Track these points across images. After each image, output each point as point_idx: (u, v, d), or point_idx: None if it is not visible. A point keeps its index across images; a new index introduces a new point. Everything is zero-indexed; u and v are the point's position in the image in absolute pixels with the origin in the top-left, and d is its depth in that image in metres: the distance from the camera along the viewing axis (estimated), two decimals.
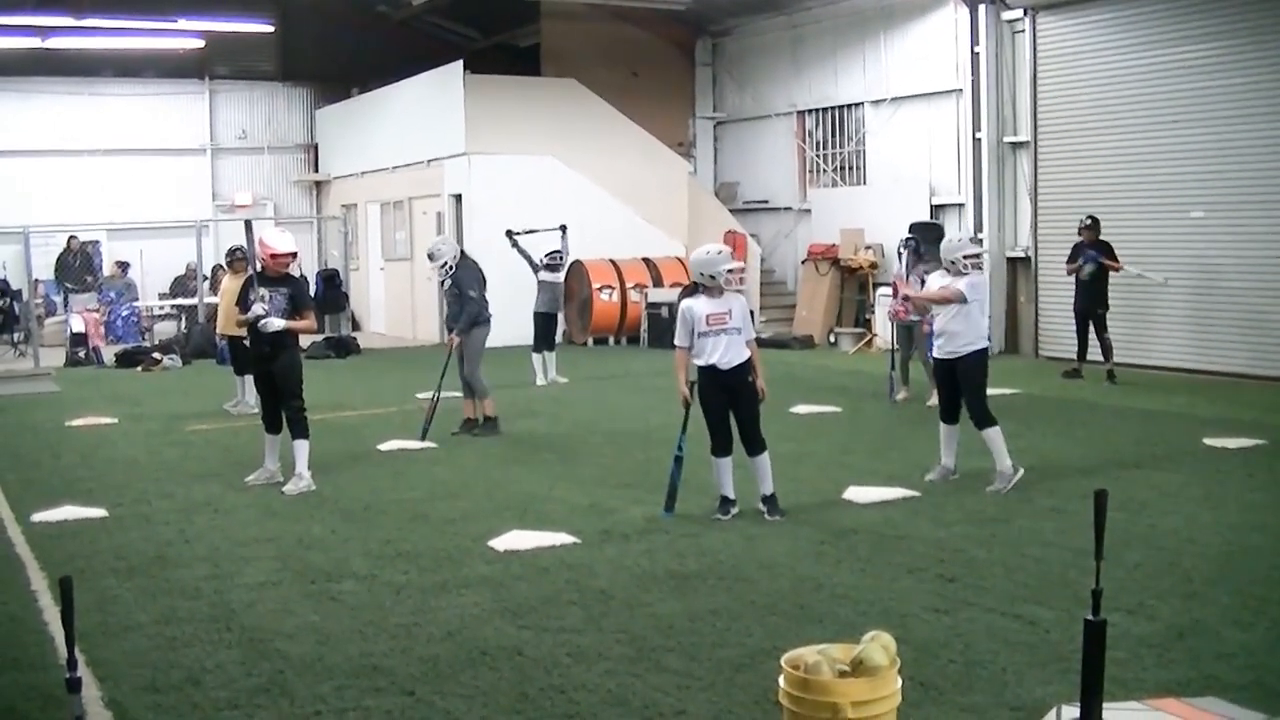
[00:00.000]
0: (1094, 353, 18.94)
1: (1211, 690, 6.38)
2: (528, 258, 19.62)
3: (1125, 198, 20.52)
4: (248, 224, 12.66)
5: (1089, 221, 19.09)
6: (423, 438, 14.49)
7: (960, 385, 11.67)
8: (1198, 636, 7.27)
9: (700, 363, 10.31)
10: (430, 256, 15.31)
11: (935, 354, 11.93)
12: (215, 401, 17.39)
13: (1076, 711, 5.00)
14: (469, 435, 14.92)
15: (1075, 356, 19.28)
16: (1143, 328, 20.14)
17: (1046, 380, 18.86)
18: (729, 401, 10.41)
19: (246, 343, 13.09)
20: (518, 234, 19.74)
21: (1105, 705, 4.92)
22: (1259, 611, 7.71)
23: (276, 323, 11.84)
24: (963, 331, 11.61)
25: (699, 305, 10.32)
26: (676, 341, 10.46)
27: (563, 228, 20.38)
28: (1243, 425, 14.64)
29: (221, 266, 22.45)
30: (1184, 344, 19.96)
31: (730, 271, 10.42)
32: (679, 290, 25.71)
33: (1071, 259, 19.12)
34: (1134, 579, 8.39)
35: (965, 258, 11.78)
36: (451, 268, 14.99)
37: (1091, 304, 18.85)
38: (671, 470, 10.63)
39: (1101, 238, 18.92)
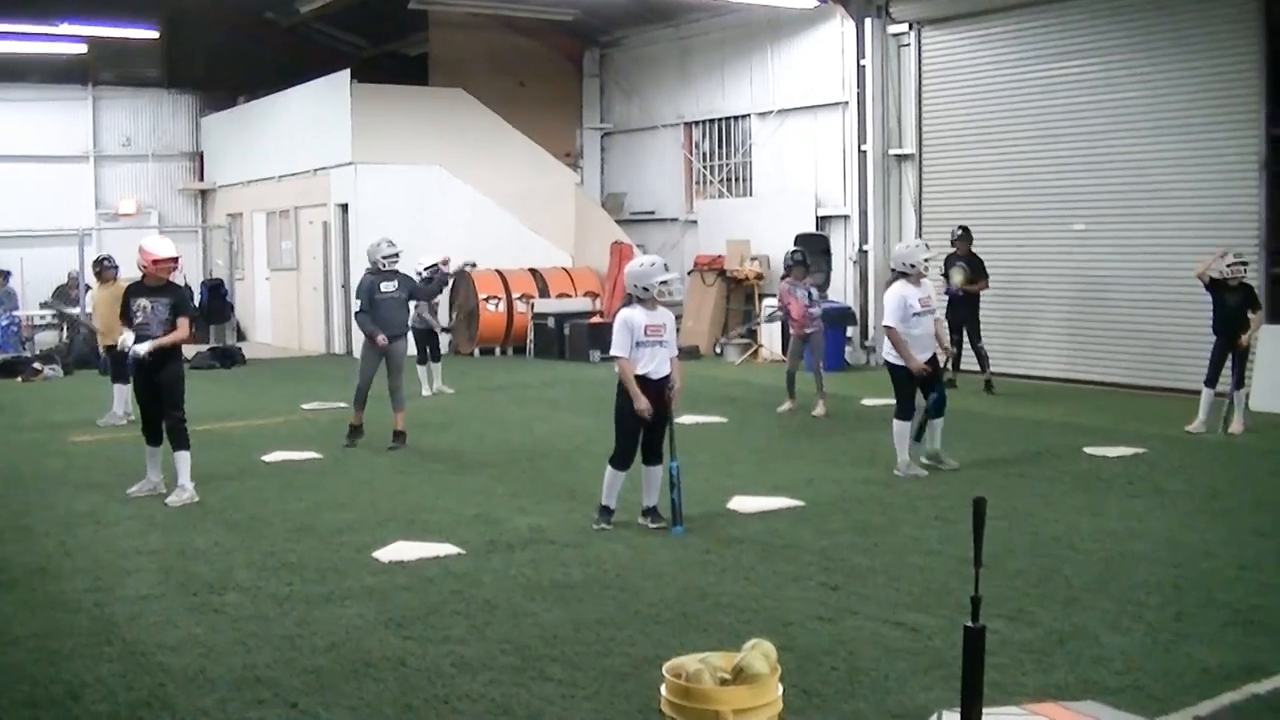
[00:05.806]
0: (970, 363, 19.15)
1: (1090, 694, 6.48)
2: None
3: (1008, 210, 20.82)
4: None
5: (960, 232, 19.33)
6: None
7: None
8: (1077, 641, 7.38)
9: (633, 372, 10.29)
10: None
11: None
12: (97, 412, 17.13)
13: (957, 716, 5.05)
14: (385, 450, 14.64)
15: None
16: (1022, 338, 20.41)
17: None
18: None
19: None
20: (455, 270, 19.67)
21: (985, 710, 4.97)
22: (1137, 617, 7.84)
23: (142, 347, 11.68)
24: None
25: (638, 315, 10.35)
26: (616, 352, 10.33)
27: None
28: (1122, 435, 14.89)
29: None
30: (1064, 354, 20.25)
31: (663, 284, 10.48)
32: (566, 299, 25.89)
33: (945, 272, 19.31)
34: (1015, 586, 8.51)
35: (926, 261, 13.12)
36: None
37: (966, 315, 19.06)
38: (672, 492, 10.43)
39: (974, 250, 19.19)
